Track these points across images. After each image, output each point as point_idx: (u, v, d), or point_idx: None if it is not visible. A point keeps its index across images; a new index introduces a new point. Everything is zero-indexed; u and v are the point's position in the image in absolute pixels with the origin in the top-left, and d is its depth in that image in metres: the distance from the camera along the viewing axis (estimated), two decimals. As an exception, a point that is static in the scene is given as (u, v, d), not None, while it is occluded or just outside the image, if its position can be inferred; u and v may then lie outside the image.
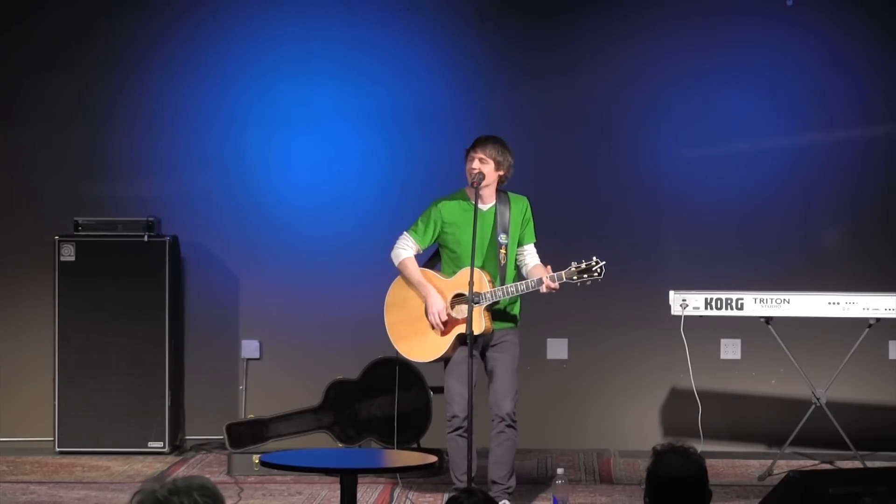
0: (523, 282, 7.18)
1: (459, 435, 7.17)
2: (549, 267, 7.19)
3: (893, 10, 9.21)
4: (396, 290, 7.49)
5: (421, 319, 7.34)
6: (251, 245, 9.33)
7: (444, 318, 7.24)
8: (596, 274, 7.05)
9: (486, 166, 7.24)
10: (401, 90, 9.28)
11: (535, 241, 7.42)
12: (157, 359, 8.94)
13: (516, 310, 7.37)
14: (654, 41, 9.24)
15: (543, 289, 7.10)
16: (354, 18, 9.27)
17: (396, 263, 7.42)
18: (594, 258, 7.07)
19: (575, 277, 7.06)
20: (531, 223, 7.39)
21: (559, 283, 7.09)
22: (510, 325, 7.34)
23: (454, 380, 7.23)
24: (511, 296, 7.18)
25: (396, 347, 7.48)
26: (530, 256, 7.38)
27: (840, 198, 9.26)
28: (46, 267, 8.96)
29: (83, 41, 9.31)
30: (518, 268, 7.38)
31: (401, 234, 7.44)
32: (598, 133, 9.30)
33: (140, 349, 8.93)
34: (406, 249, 7.40)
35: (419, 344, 7.39)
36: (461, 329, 7.19)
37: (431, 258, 7.50)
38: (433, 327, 7.28)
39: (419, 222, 7.40)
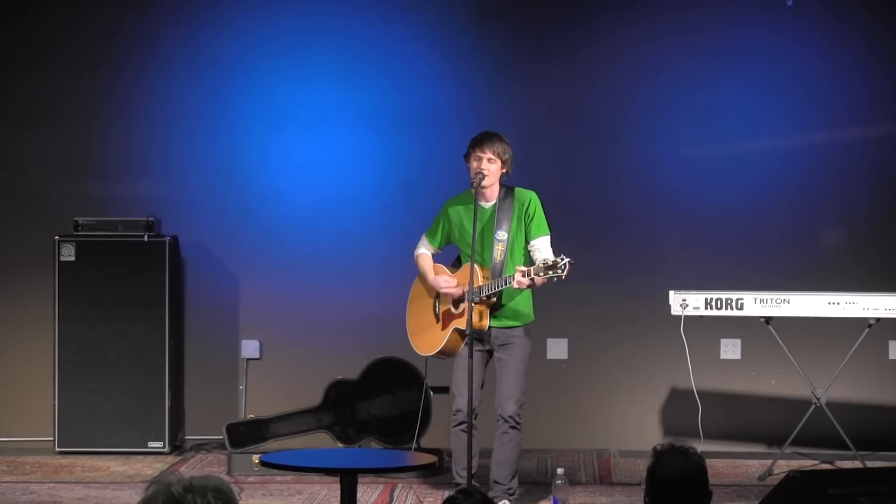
0: (501, 278, 7.16)
1: (463, 430, 7.18)
2: None
3: (894, 9, 9.21)
4: (414, 287, 7.65)
5: (427, 314, 7.45)
6: (251, 245, 9.32)
7: (454, 282, 7.29)
8: (560, 271, 6.87)
9: (493, 165, 7.23)
10: (402, 88, 9.27)
11: (546, 234, 7.30)
12: (157, 359, 8.93)
13: (526, 307, 7.32)
14: (655, 40, 9.23)
15: (515, 284, 7.03)
16: (355, 16, 9.26)
17: (414, 260, 7.56)
18: (561, 255, 6.95)
19: (541, 273, 6.95)
20: (537, 217, 7.29)
21: (529, 279, 7.00)
22: (519, 322, 7.31)
23: (461, 374, 7.22)
24: (494, 291, 7.14)
25: (410, 342, 7.60)
26: (538, 252, 7.26)
27: (840, 197, 9.25)
28: (46, 267, 8.96)
29: (82, 40, 9.30)
30: (532, 263, 7.33)
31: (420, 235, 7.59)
32: (599, 132, 9.30)
33: (140, 349, 8.92)
34: (421, 248, 7.55)
35: (424, 338, 7.50)
36: (458, 323, 7.27)
37: (458, 257, 7.58)
38: (437, 317, 7.31)
39: (433, 224, 7.52)
